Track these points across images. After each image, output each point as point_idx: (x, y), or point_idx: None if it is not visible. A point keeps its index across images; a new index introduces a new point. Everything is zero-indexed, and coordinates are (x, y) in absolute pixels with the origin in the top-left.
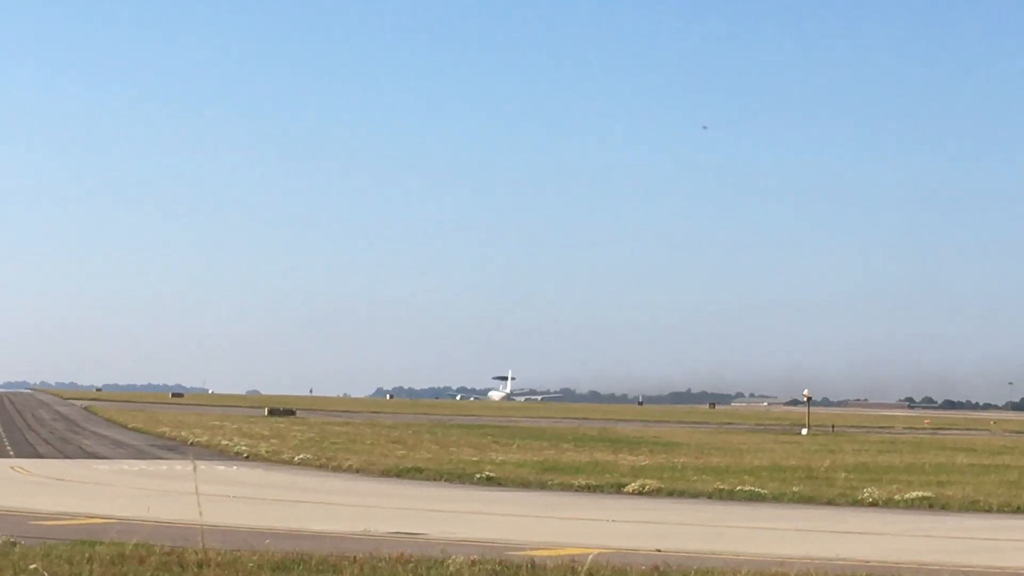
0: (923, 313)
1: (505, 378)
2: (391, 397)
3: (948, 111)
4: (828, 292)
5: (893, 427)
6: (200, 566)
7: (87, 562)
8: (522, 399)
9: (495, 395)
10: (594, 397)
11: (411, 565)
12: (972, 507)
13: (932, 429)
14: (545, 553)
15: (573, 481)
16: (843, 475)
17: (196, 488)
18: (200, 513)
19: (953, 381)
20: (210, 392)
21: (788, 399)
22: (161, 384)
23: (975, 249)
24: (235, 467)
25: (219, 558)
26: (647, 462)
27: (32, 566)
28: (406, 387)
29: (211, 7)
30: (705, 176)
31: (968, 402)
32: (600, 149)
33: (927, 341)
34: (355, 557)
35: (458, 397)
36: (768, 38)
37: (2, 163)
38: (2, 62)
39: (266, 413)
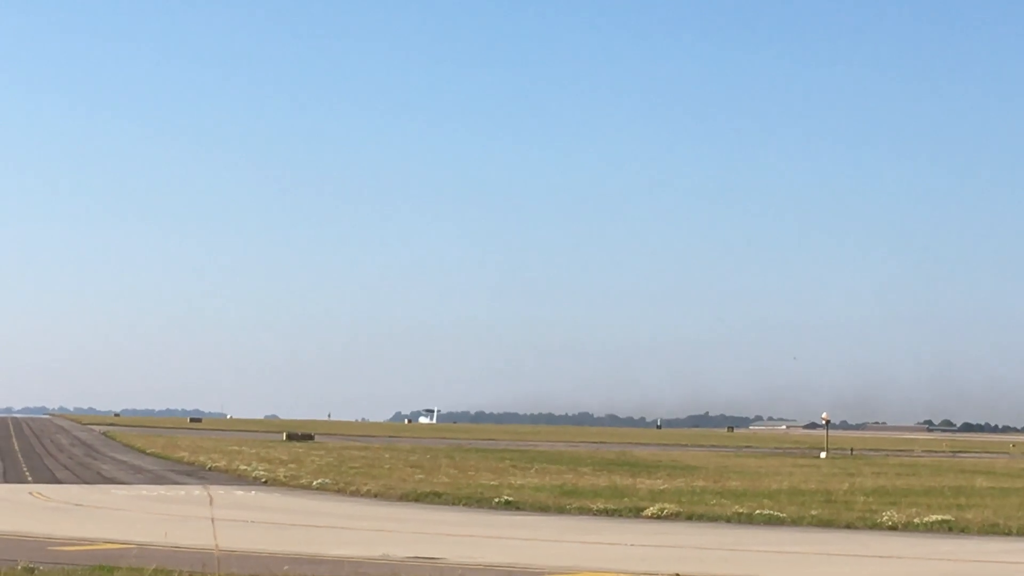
0: (942, 335)
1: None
2: (409, 422)
3: (966, 131)
4: (845, 313)
5: (912, 450)
6: None
7: None
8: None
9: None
10: (612, 421)
11: None
12: (992, 530)
13: (951, 452)
14: None
15: (592, 505)
16: (862, 498)
17: (211, 515)
18: (216, 541)
19: (972, 404)
20: (228, 417)
21: (807, 422)
22: (179, 409)
23: (994, 270)
24: (253, 492)
25: None
26: (665, 486)
27: None
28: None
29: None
30: (722, 197)
31: (987, 424)
32: (613, 171)
33: (946, 363)
34: None
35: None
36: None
37: (22, 188)
38: (29, 93)
39: (284, 438)
